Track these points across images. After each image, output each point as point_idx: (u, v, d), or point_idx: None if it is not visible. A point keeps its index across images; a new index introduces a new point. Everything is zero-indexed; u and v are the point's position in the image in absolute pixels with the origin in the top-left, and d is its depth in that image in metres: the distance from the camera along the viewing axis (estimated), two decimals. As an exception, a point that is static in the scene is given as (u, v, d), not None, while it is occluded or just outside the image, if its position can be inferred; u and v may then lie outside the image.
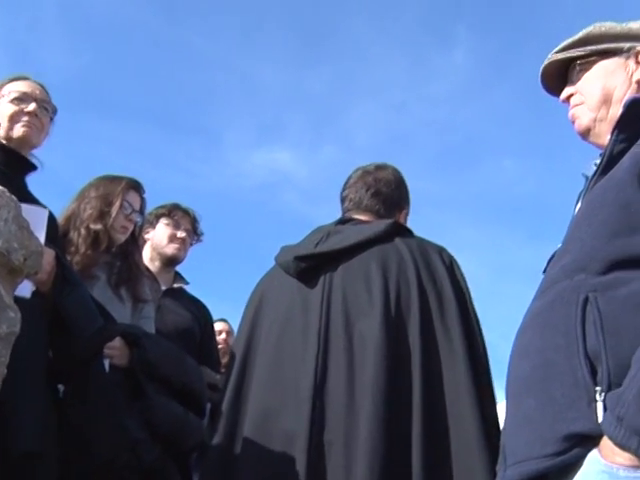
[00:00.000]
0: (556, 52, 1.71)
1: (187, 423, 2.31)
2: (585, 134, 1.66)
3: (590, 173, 1.55)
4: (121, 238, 2.61)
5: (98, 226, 2.51)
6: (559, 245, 1.49)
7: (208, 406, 2.53)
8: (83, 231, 2.50)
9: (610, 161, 1.44)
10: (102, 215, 2.53)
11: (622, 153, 1.41)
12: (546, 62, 1.73)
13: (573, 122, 1.68)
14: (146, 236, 3.14)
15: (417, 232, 2.26)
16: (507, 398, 1.42)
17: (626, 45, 1.60)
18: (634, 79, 1.58)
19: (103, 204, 2.55)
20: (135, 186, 2.69)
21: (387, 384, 1.88)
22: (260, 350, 2.11)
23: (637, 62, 1.59)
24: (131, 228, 2.66)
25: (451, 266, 2.14)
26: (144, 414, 2.15)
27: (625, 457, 1.10)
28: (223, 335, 4.57)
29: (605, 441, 1.13)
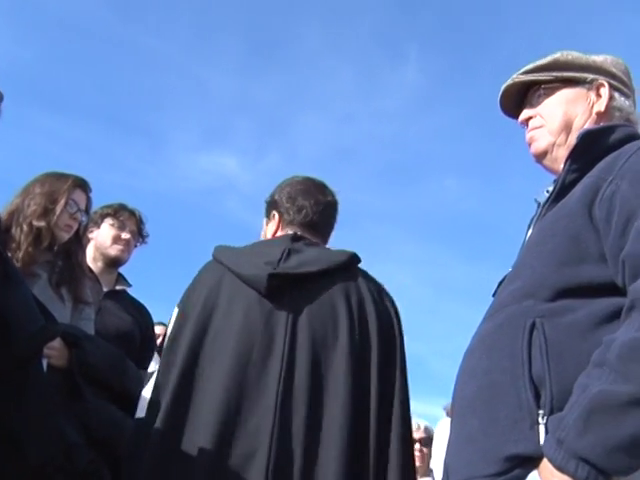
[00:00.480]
0: (521, 74, 1.74)
1: (126, 428, 2.26)
2: (541, 157, 1.70)
3: (542, 199, 1.59)
4: (64, 236, 2.54)
5: (41, 223, 2.44)
6: (509, 269, 1.53)
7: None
8: (26, 227, 2.43)
9: (562, 189, 1.48)
10: (46, 212, 2.46)
11: (574, 183, 1.46)
12: (509, 82, 1.75)
13: (530, 144, 1.72)
14: (90, 235, 3.06)
15: (358, 245, 2.27)
16: (452, 417, 1.45)
17: (590, 76, 1.66)
18: (594, 110, 1.64)
19: (48, 201, 2.48)
20: (81, 185, 2.62)
21: (353, 418, 1.89)
22: (214, 359, 2.00)
23: (598, 94, 1.65)
24: (75, 227, 2.59)
25: (394, 306, 2.19)
26: (81, 417, 2.11)
27: (563, 479, 1.13)
28: (161, 339, 4.52)
29: (545, 463, 1.17)
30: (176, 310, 2.18)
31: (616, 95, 1.66)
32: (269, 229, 2.35)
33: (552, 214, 1.47)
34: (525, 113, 1.73)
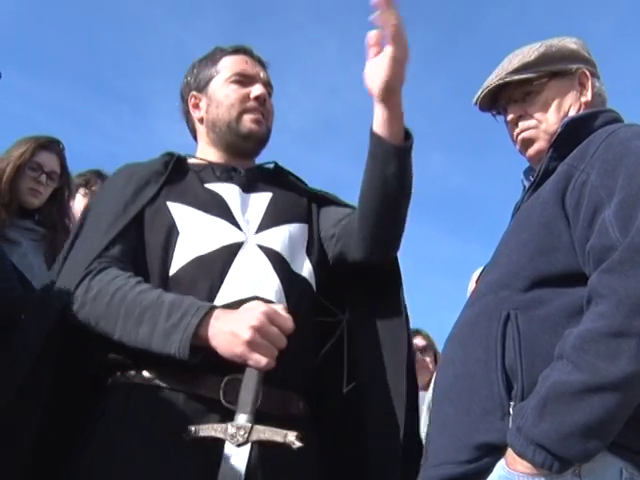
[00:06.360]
0: (510, 72, 1.62)
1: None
2: (539, 157, 1.60)
3: (527, 185, 1.59)
4: (33, 201, 2.48)
5: (6, 187, 2.40)
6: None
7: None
8: None
9: (544, 177, 1.47)
10: (13, 176, 2.42)
11: (555, 170, 1.44)
12: (498, 82, 1.63)
13: (523, 144, 1.65)
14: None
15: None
16: (433, 403, 1.48)
17: (573, 67, 1.62)
18: (582, 101, 1.60)
19: (13, 165, 2.42)
20: (46, 145, 2.53)
21: None
22: None
23: (581, 83, 1.62)
24: (44, 191, 2.51)
25: None
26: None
27: (524, 465, 1.17)
28: None
29: (509, 450, 1.21)
30: None
31: (595, 80, 1.63)
32: None
33: (528, 204, 1.47)
34: (515, 112, 1.64)
